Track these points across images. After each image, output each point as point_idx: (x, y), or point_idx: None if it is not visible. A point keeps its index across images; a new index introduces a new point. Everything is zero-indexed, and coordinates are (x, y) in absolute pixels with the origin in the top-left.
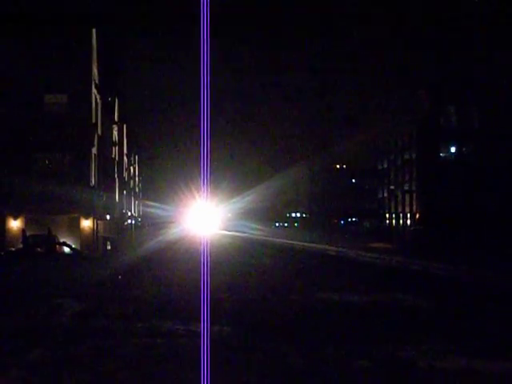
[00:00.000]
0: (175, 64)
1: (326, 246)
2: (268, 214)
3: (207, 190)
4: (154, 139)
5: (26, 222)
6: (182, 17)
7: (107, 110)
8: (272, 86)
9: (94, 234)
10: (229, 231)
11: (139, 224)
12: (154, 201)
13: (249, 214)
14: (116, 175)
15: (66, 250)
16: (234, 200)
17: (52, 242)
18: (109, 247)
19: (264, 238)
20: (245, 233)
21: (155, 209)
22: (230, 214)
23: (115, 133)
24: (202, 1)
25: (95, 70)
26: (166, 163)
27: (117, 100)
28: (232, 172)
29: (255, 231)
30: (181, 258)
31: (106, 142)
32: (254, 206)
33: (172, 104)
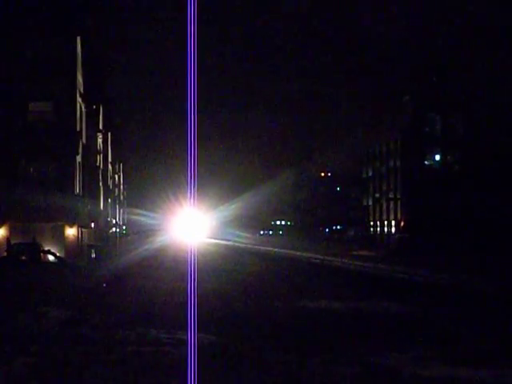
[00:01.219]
0: (161, 71)
1: (311, 254)
2: (254, 221)
3: (194, 198)
4: (140, 147)
5: (11, 231)
6: (167, 23)
7: (92, 118)
8: (259, 94)
9: (78, 242)
10: (216, 239)
11: (124, 232)
12: (141, 208)
13: (235, 222)
14: (101, 183)
15: (51, 258)
16: (220, 208)
17: (37, 251)
18: (93, 255)
19: (251, 246)
20: (232, 241)
21: (142, 216)
22: (215, 222)
23: (100, 141)
24: (188, 5)
25: (80, 78)
26: (153, 171)
27: (101, 108)
28: (219, 180)
29: (242, 239)
30: (166, 266)
31: (90, 150)
32: (240, 213)
33: (159, 111)
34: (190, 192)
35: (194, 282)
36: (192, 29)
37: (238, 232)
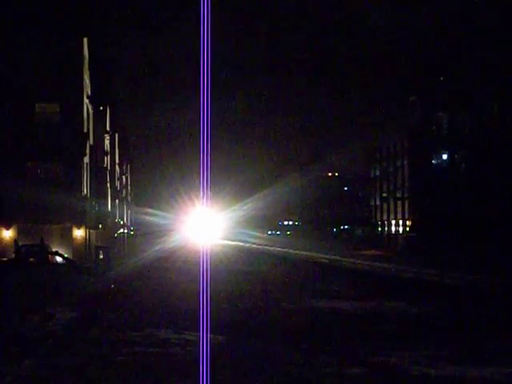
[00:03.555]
0: (173, 70)
1: (319, 254)
2: (263, 222)
3: (207, 198)
4: (153, 146)
5: (19, 232)
6: (176, 21)
7: (99, 119)
8: (270, 96)
9: (86, 243)
10: (230, 241)
11: (131, 233)
12: (154, 208)
13: (245, 223)
14: (108, 184)
15: (59, 259)
16: (232, 208)
17: (45, 252)
18: (101, 257)
19: (261, 247)
20: (244, 241)
21: (153, 217)
22: (226, 223)
23: (107, 142)
24: (202, 5)
25: (87, 80)
26: (166, 170)
27: (108, 109)
28: (231, 181)
29: (256, 239)
30: (176, 268)
31: (97, 152)
32: (251, 214)
33: (171, 111)
34: (204, 192)
35: (206, 284)
36: (206, 28)
37: (249, 232)
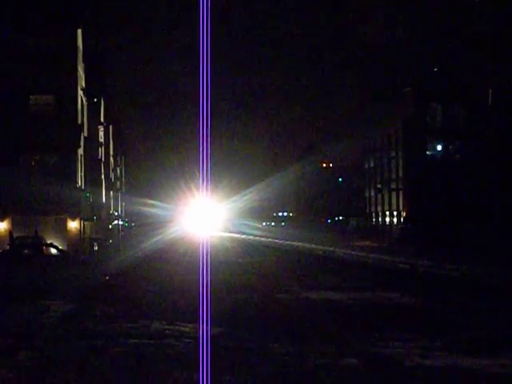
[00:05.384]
0: (171, 59)
1: (314, 245)
2: (262, 213)
3: (207, 189)
4: (152, 137)
5: (13, 224)
6: (171, 11)
7: (93, 111)
8: (268, 88)
9: (80, 235)
10: (229, 232)
11: (126, 224)
12: (153, 199)
13: (246, 213)
14: (103, 176)
15: (54, 251)
16: (232, 199)
17: (39, 244)
18: (95, 248)
19: (264, 239)
20: (244, 233)
21: (152, 208)
22: (225, 214)
23: (101, 133)
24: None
25: (81, 71)
26: (166, 161)
27: (102, 101)
28: (229, 172)
29: (254, 230)
30: (173, 262)
31: (92, 143)
32: (252, 205)
33: (171, 100)
34: (203, 183)
35: (206, 277)
36: (205, 20)
37: (248, 223)
